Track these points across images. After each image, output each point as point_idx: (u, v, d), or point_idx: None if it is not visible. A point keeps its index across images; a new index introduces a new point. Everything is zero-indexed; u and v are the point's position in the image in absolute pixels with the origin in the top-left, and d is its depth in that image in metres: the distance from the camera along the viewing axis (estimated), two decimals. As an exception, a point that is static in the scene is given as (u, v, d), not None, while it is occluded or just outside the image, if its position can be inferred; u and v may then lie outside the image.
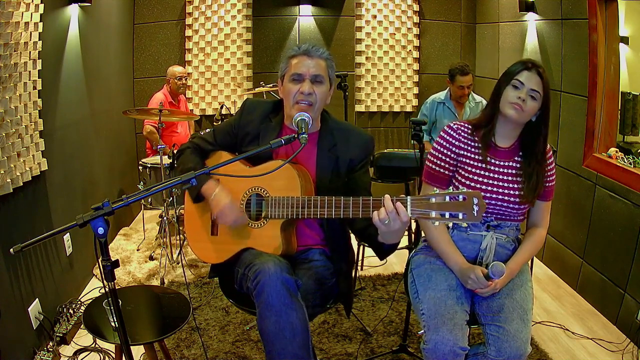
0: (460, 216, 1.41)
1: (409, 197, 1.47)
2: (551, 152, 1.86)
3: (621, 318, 2.70)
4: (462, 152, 1.83)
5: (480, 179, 1.80)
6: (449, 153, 1.84)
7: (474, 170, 1.82)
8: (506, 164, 1.82)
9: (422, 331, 1.67)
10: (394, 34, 4.78)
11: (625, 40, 2.91)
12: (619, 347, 2.53)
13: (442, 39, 4.87)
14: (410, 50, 4.82)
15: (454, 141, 1.84)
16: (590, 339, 2.63)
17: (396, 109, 4.90)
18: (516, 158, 1.82)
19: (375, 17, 4.74)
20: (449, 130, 1.85)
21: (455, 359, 1.58)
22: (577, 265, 3.15)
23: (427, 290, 1.75)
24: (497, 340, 1.60)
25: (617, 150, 2.83)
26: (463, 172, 1.83)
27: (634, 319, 2.56)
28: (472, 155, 1.82)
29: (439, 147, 1.86)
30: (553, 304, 3.02)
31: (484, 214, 1.67)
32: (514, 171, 1.81)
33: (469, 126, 1.86)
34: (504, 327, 1.61)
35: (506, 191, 1.79)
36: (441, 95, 3.79)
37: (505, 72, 1.79)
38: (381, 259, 1.84)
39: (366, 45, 4.78)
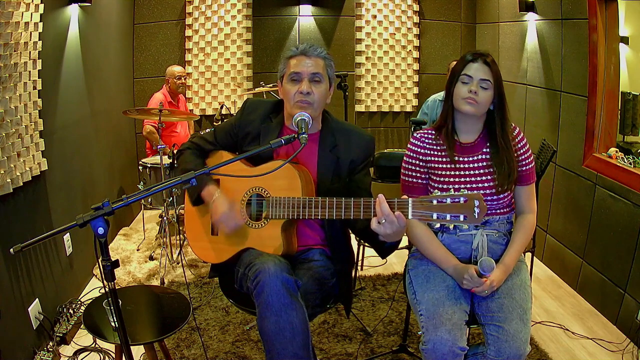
0: (462, 218, 1.42)
1: (410, 198, 1.47)
2: (522, 135, 1.86)
3: (621, 318, 2.70)
4: (428, 158, 1.86)
5: (452, 179, 1.82)
6: (417, 162, 1.87)
7: (443, 172, 1.84)
8: (474, 158, 1.83)
9: (422, 332, 1.67)
10: (394, 34, 4.78)
11: (625, 40, 2.91)
12: (619, 347, 2.53)
13: (442, 39, 4.86)
14: (410, 50, 4.82)
15: (419, 149, 1.87)
16: (590, 339, 2.63)
17: (396, 109, 4.90)
18: (484, 150, 1.84)
19: (375, 17, 4.74)
20: (413, 140, 1.89)
21: (454, 359, 1.58)
22: (577, 265, 3.15)
23: (425, 291, 1.75)
24: (497, 341, 1.60)
25: (617, 150, 2.83)
26: (435, 177, 1.85)
27: (634, 319, 2.56)
28: (440, 159, 1.85)
29: (407, 159, 1.89)
30: (553, 304, 3.02)
31: None
32: (484, 163, 1.82)
33: (432, 131, 1.88)
34: (504, 327, 1.61)
35: (480, 185, 1.80)
36: (443, 93, 3.78)
37: (452, 69, 1.82)
38: (382, 258, 1.85)
39: (366, 45, 4.78)
